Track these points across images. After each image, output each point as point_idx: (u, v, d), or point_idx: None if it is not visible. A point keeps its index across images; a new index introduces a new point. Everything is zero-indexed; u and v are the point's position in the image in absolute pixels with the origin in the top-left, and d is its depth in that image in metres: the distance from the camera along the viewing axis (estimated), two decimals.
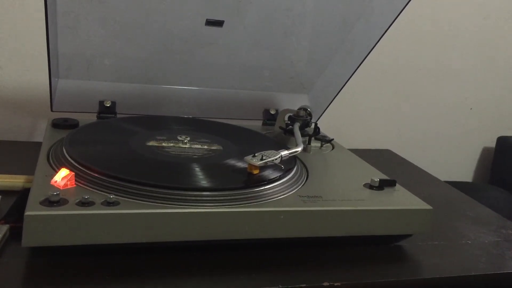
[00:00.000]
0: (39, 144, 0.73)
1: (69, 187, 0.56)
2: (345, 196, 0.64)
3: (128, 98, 0.88)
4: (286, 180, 0.65)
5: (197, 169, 0.65)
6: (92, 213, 0.52)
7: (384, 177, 0.71)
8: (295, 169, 0.69)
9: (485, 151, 1.42)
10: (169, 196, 0.56)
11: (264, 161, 0.63)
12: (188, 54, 0.87)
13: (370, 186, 0.68)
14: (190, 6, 0.80)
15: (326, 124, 0.96)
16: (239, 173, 0.65)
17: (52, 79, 0.78)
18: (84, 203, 0.53)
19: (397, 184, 0.69)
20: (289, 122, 0.86)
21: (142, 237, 0.54)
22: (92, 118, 0.86)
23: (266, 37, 0.88)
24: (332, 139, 0.86)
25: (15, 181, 0.70)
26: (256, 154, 0.64)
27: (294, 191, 0.64)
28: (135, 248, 0.56)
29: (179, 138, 0.75)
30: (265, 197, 0.60)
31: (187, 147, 0.72)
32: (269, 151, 0.65)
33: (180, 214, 0.54)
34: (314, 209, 0.60)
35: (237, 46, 0.88)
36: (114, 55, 0.85)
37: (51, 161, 0.64)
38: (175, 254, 0.57)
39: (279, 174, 0.65)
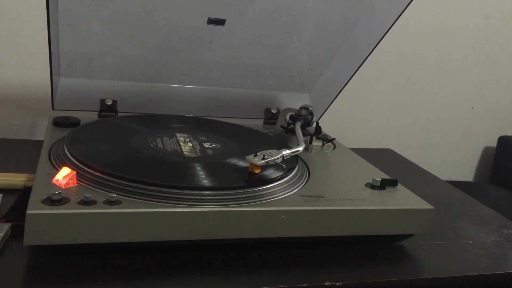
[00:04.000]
0: (40, 143, 0.72)
1: (70, 186, 0.56)
2: (346, 195, 0.64)
3: (129, 97, 0.88)
4: (288, 180, 0.65)
5: (199, 168, 0.64)
6: (94, 212, 0.52)
7: (386, 176, 0.71)
8: (296, 168, 0.69)
9: (486, 150, 1.42)
10: (170, 195, 0.56)
11: (265, 160, 0.63)
12: (190, 52, 0.87)
13: (372, 186, 0.68)
14: (192, 5, 0.80)
15: (327, 124, 0.96)
16: (240, 173, 0.65)
17: (53, 77, 0.78)
18: (85, 202, 0.53)
19: (398, 184, 0.69)
20: (290, 121, 0.86)
21: (144, 236, 0.54)
22: (93, 116, 0.85)
23: (268, 36, 0.88)
24: (334, 139, 0.86)
25: (16, 179, 0.70)
26: (257, 153, 0.64)
27: (295, 190, 0.64)
28: (137, 247, 0.56)
29: (180, 137, 0.75)
30: (266, 196, 0.60)
31: (189, 146, 0.72)
32: (271, 151, 0.65)
33: (181, 213, 0.54)
34: (315, 208, 0.60)
35: (238, 44, 0.88)
36: (116, 53, 0.84)
37: (52, 159, 0.64)
38: (176, 253, 0.57)
39: (280, 174, 0.65)
